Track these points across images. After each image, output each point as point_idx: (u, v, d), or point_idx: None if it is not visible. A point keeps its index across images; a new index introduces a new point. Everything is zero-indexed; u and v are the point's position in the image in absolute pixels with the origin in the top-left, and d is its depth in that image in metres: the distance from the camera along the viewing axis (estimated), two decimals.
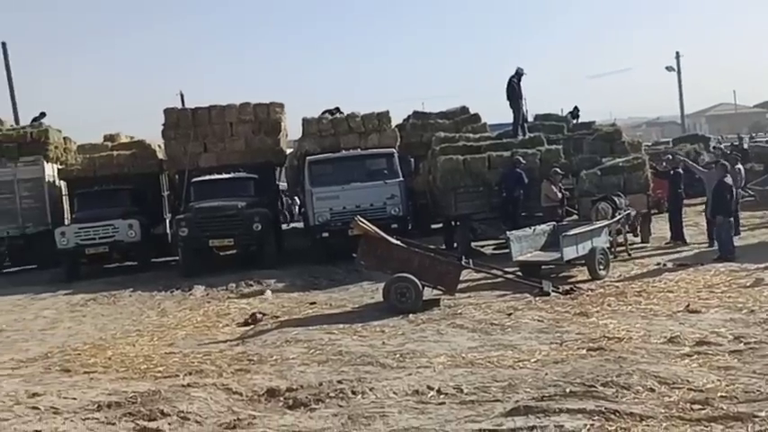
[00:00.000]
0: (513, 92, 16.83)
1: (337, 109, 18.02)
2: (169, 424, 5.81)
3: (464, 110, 20.46)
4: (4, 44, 30.08)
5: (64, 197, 19.44)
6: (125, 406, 6.35)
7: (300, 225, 21.08)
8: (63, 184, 19.38)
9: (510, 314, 9.19)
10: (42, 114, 20.25)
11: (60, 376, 7.78)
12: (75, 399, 6.70)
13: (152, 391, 6.70)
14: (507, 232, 12.00)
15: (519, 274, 11.41)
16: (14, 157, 18.51)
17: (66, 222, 17.97)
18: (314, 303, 11.32)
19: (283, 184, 24.22)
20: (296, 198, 25.95)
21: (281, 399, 6.32)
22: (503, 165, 15.02)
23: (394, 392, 6.20)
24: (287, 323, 9.91)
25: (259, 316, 10.31)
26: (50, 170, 19.01)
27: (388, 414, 5.66)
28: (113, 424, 5.92)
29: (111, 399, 6.56)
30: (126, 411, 6.18)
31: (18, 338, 10.44)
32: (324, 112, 17.78)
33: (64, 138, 20.31)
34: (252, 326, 9.94)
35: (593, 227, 12.02)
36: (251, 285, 13.43)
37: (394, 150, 16.25)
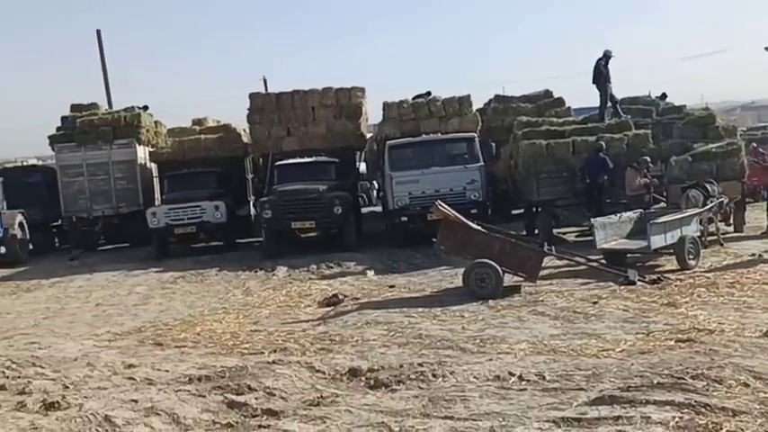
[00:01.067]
0: (600, 75, 16.37)
1: (428, 93, 17.96)
2: (256, 398, 6.01)
3: (547, 93, 20.07)
4: (98, 32, 31.45)
5: (155, 179, 20.32)
6: (214, 380, 6.61)
7: (379, 209, 21.25)
8: (154, 166, 20.23)
9: (594, 302, 8.99)
10: (145, 107, 21.07)
11: (153, 349, 8.16)
12: (167, 371, 7.02)
13: (239, 366, 6.94)
14: (591, 219, 11.73)
15: (603, 262, 11.14)
16: (109, 140, 19.46)
17: (157, 203, 18.78)
18: (393, 287, 11.40)
19: (362, 167, 24.42)
20: (374, 182, 26.12)
21: (363, 379, 6.42)
22: (587, 150, 14.64)
23: (474, 377, 6.20)
24: (366, 305, 10.03)
25: (340, 297, 10.48)
26: (142, 153, 19.88)
27: (469, 398, 5.67)
28: (204, 396, 6.17)
29: (201, 372, 6.84)
30: (215, 385, 6.43)
31: (113, 313, 11.00)
32: (415, 97, 17.77)
33: (155, 122, 21.14)
34: (333, 307, 10.12)
35: (682, 215, 11.58)
36: (331, 267, 13.68)
37: (475, 135, 16.14)
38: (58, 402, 6.15)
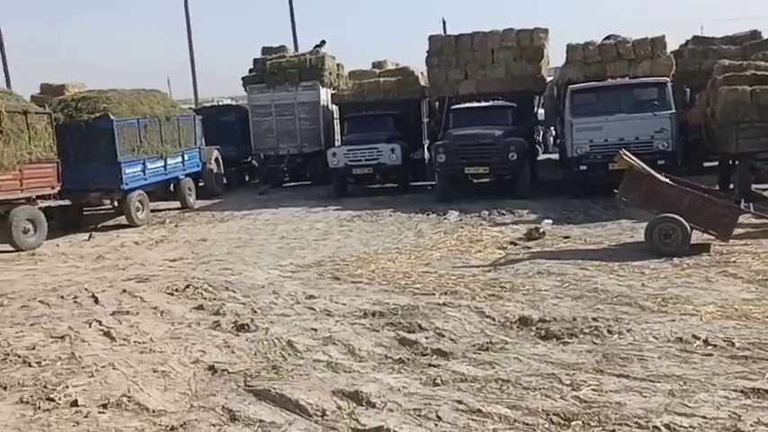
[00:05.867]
0: None
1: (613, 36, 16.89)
2: (426, 338, 6.16)
3: (755, 34, 18.02)
4: None
5: (335, 120, 21.12)
6: (387, 316, 6.86)
7: (556, 156, 20.57)
8: (335, 107, 20.99)
9: None
10: (323, 42, 21.89)
11: (332, 283, 8.61)
12: (344, 304, 7.40)
13: (411, 305, 7.14)
14: None
15: None
16: (295, 82, 20.44)
17: (337, 144, 19.54)
18: (567, 237, 11.04)
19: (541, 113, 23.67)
20: (551, 128, 25.25)
21: (534, 328, 6.34)
22: None
23: (654, 337, 5.88)
24: (539, 255, 9.82)
25: (542, 232, 11.06)
26: (325, 95, 20.68)
27: (647, 358, 5.40)
28: (377, 331, 6.44)
29: (375, 308, 7.13)
30: (388, 321, 6.68)
31: (296, 246, 11.71)
32: (605, 38, 16.78)
33: (337, 64, 21.82)
34: (535, 241, 10.61)
35: None
36: (503, 214, 13.53)
37: (667, 79, 14.93)
38: (247, 325, 6.73)
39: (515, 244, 10.67)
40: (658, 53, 15.91)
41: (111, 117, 14.50)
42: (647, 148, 13.65)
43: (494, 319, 6.67)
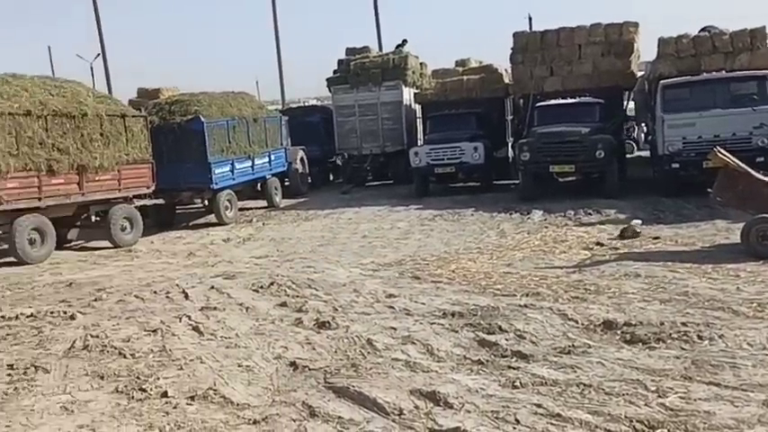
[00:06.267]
0: None
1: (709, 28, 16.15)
2: (506, 340, 6.08)
3: None
4: None
5: (418, 119, 21.17)
6: (466, 317, 6.82)
7: (646, 154, 19.88)
8: (418, 107, 21.03)
9: None
10: (404, 41, 22.00)
11: (411, 282, 8.63)
12: (423, 304, 7.41)
13: (491, 306, 7.07)
14: None
15: None
16: (378, 82, 20.62)
17: (419, 143, 19.57)
18: (657, 238, 10.64)
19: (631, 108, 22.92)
20: (642, 125, 24.38)
21: (618, 332, 6.14)
22: None
23: (748, 344, 5.59)
24: (626, 256, 9.51)
25: (636, 230, 10.88)
26: (407, 94, 20.76)
27: (740, 366, 5.14)
28: (456, 331, 6.41)
29: (455, 308, 7.10)
30: (467, 322, 6.63)
31: (377, 245, 11.82)
32: (701, 30, 16.09)
33: (420, 63, 21.86)
34: (629, 239, 10.50)
35: None
36: (590, 214, 13.19)
37: None
38: (328, 322, 6.85)
39: (602, 245, 10.41)
40: (758, 45, 15.08)
41: (202, 119, 15.06)
42: (745, 144, 12.98)
43: (577, 322, 6.50)
